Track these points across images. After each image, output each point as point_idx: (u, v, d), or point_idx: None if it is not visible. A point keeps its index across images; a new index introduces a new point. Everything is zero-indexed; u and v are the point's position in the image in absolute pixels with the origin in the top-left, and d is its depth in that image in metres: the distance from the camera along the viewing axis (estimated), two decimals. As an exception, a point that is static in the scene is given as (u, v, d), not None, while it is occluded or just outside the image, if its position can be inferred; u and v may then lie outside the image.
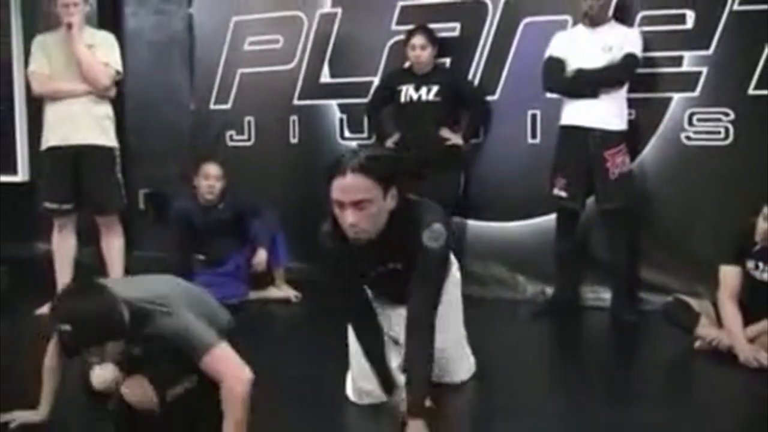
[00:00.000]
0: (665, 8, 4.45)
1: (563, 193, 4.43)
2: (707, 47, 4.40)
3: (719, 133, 4.40)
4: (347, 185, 2.39)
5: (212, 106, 5.63)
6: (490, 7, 4.86)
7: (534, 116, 4.80)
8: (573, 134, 4.37)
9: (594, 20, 4.35)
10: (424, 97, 4.72)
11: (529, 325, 4.48)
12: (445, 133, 4.71)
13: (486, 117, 4.84)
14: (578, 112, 4.36)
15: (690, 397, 3.38)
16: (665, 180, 4.51)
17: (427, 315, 2.60)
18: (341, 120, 5.30)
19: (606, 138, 4.32)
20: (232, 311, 2.91)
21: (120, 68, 4.54)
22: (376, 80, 5.13)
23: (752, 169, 4.25)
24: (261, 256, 4.79)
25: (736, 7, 4.33)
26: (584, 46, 4.34)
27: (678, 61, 4.46)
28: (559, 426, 2.97)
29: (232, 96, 5.56)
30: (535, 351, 4.13)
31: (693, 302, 3.86)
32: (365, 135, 5.21)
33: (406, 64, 4.87)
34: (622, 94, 4.35)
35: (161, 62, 5.82)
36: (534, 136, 4.80)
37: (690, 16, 4.42)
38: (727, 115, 4.38)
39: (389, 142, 4.79)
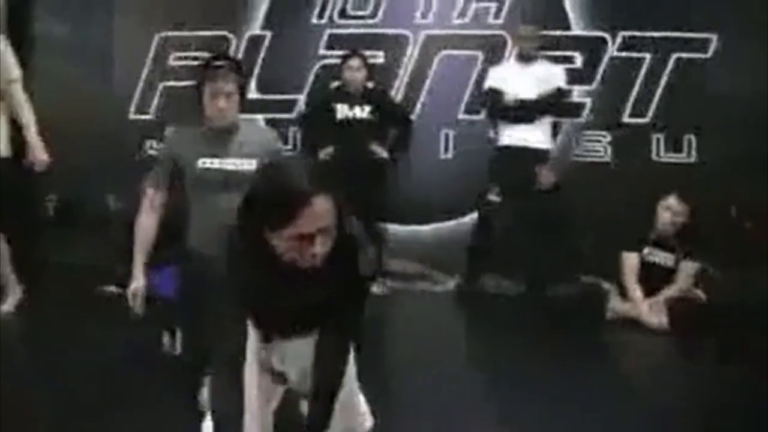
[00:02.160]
0: (558, 50, 5.48)
1: (497, 198, 5.21)
2: (591, 82, 5.50)
3: (600, 151, 5.49)
4: (317, 212, 1.85)
5: (132, 116, 5.85)
6: (411, 39, 5.65)
7: (447, 135, 5.61)
8: (511, 152, 5.13)
9: (525, 57, 5.17)
10: (358, 115, 5.27)
11: (448, 312, 5.14)
12: (374, 147, 5.28)
13: (410, 134, 5.48)
14: (516, 135, 5.14)
15: (605, 359, 4.15)
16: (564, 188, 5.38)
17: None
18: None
19: (539, 156, 5.14)
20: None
21: (10, 75, 4.29)
22: (301, 98, 5.68)
23: (625, 179, 5.36)
24: None
25: (614, 53, 5.48)
26: (518, 80, 5.13)
27: (569, 93, 5.49)
28: (484, 390, 3.45)
29: (152, 107, 5.83)
30: (457, 332, 4.73)
31: (603, 283, 4.80)
32: (290, 147, 5.71)
33: (335, 84, 5.42)
34: (549, 119, 5.22)
35: (77, 70, 5.91)
36: (446, 151, 5.62)
37: (578, 57, 5.50)
38: (605, 137, 5.49)
39: (322, 155, 5.25)
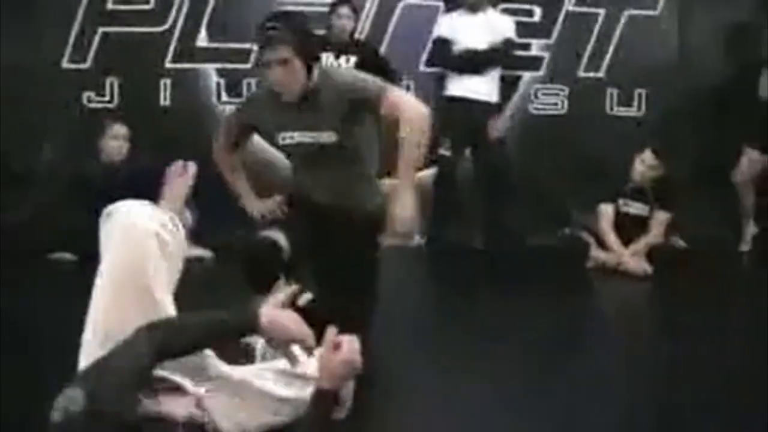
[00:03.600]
0: (518, 3, 5.53)
1: (448, 153, 5.22)
2: (549, 37, 5.61)
3: (557, 104, 5.64)
4: None
5: (65, 65, 5.29)
6: (371, -12, 5.49)
7: (408, 86, 5.48)
8: (459, 104, 5.17)
9: (474, 7, 5.18)
10: (343, 65, 5.07)
11: (418, 268, 5.15)
12: None
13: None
14: (464, 86, 5.16)
15: (591, 306, 4.36)
16: (519, 141, 5.54)
17: None
18: (218, 84, 5.44)
19: (488, 109, 5.21)
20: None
21: None
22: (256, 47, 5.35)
23: (581, 131, 5.57)
24: (186, 215, 4.75)
25: (571, 7, 5.60)
26: (468, 29, 5.15)
27: (527, 46, 5.57)
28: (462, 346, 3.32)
29: (90, 55, 5.30)
30: (430, 288, 4.71)
31: (583, 234, 4.99)
32: (244, 99, 5.39)
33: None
34: (498, 71, 5.28)
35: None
36: (409, 103, 5.51)
37: (537, 11, 5.57)
38: (563, 90, 5.64)
39: None
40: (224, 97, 5.43)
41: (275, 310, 1.92)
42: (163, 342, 1.73)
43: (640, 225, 4.95)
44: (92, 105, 5.33)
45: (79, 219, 4.67)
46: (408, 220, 2.80)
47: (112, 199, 4.84)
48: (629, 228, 4.92)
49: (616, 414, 2.60)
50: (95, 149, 4.88)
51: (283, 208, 3.10)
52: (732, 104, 5.47)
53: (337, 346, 1.79)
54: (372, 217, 3.01)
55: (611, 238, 4.89)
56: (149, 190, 4.69)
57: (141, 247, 1.92)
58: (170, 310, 1.96)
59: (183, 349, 1.81)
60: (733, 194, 5.35)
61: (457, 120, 5.17)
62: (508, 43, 5.19)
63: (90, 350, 1.86)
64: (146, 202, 2.04)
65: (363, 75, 2.94)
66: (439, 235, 5.36)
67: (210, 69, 5.41)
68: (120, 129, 4.76)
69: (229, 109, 5.34)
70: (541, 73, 5.63)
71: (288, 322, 1.86)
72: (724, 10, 5.62)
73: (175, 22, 5.35)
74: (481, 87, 5.17)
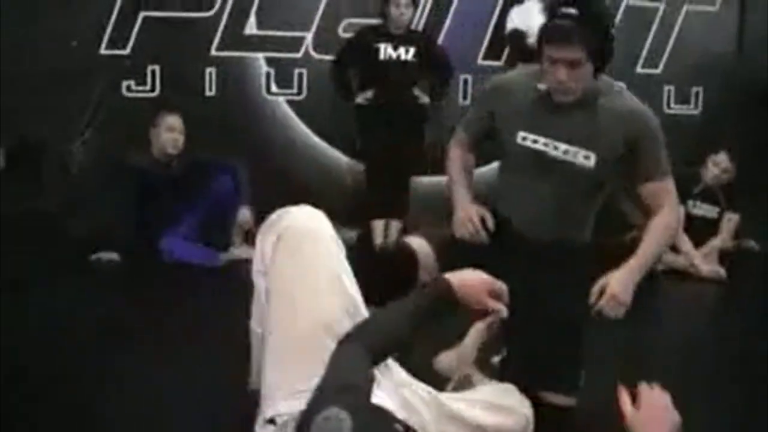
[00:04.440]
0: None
1: None
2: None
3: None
4: None
5: (103, 51, 4.93)
6: (431, -23, 5.24)
7: (466, 81, 5.31)
8: None
9: (549, -2, 5.02)
10: (402, 57, 4.85)
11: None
12: (417, 92, 4.89)
13: (449, 81, 5.10)
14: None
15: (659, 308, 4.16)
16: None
17: None
18: (268, 74, 5.14)
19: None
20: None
21: None
22: (308, 36, 5.11)
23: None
24: (245, 213, 4.50)
25: (631, 1, 5.41)
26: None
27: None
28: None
29: (131, 42, 4.96)
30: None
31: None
32: (295, 90, 5.15)
33: (376, 22, 4.90)
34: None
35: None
36: (465, 98, 5.32)
37: (597, 4, 5.38)
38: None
39: (360, 99, 4.84)
40: (274, 88, 5.14)
41: (460, 273, 1.86)
42: (371, 346, 1.69)
43: (710, 227, 4.85)
44: (131, 94, 5.01)
45: (124, 215, 4.47)
46: (620, 304, 2.33)
47: (168, 195, 4.62)
48: (698, 230, 4.80)
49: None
50: (141, 141, 4.58)
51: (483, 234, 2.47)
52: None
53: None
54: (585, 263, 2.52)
55: (683, 240, 4.76)
56: (204, 184, 4.51)
57: (329, 248, 1.89)
58: (363, 308, 1.91)
59: (390, 345, 1.78)
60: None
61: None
62: None
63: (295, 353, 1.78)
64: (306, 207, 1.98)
65: (660, 137, 2.40)
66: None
67: (259, 58, 5.11)
68: (176, 121, 4.44)
69: (276, 101, 5.16)
70: (599, 69, 5.44)
71: (477, 283, 1.84)
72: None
73: (222, 7, 5.02)
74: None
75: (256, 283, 1.96)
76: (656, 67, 5.52)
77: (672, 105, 5.57)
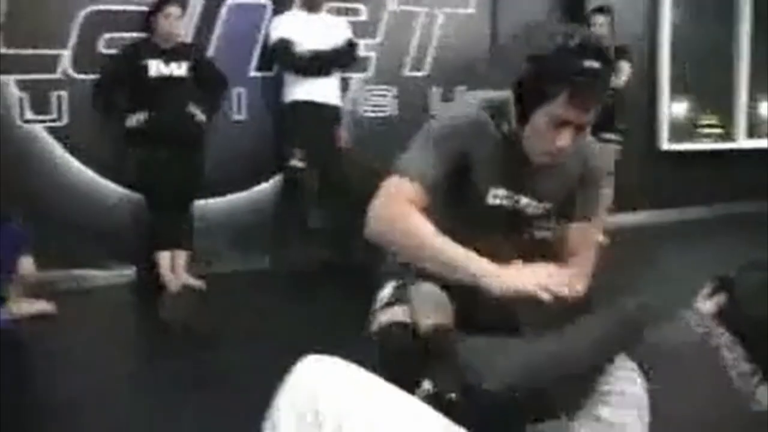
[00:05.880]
0: (342, 1, 5.32)
1: (300, 164, 4.91)
2: (375, 36, 5.47)
3: (386, 105, 5.54)
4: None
5: None
6: (195, -12, 4.94)
7: (239, 94, 5.09)
8: (308, 109, 4.89)
9: (312, 7, 4.94)
10: (175, 72, 4.55)
11: (275, 291, 4.75)
12: (193, 110, 4.61)
13: (223, 95, 4.89)
14: (311, 90, 4.90)
15: None
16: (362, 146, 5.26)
17: None
18: (21, 99, 4.56)
19: (336, 113, 5.03)
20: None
21: None
22: (66, 53, 4.61)
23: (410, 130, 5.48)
24: (29, 262, 4.00)
25: (394, 6, 5.51)
26: (309, 30, 4.89)
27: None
28: None
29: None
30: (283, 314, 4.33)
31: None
32: (54, 116, 4.63)
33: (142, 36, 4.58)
34: (339, 74, 5.07)
35: None
36: (239, 112, 5.11)
37: (363, 10, 5.40)
38: (390, 91, 5.55)
39: (133, 121, 4.46)
40: (29, 115, 4.57)
41: None
42: None
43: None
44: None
45: None
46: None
47: None
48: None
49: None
50: None
51: None
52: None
53: None
54: None
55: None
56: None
57: None
58: None
59: None
60: None
61: (307, 127, 4.90)
62: (351, 44, 5.03)
63: None
64: None
65: (605, 179, 2.11)
66: (287, 254, 5.04)
67: (9, 81, 4.53)
68: None
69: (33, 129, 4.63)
70: (369, 74, 5.49)
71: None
72: (534, 4, 5.93)
73: (-42, 25, 4.41)
74: (328, 90, 4.96)
75: None
76: (422, 69, 5.69)
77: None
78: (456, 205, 1.95)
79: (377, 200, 1.87)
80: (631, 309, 1.50)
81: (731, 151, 7.27)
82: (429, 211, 1.84)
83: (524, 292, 1.67)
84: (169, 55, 4.57)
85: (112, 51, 4.66)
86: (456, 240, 1.80)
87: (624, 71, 5.53)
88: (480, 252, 1.79)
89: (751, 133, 7.48)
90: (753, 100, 7.49)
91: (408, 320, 1.95)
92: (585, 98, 1.77)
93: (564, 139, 1.82)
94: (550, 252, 1.97)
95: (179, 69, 4.60)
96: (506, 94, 1.89)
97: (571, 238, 2.04)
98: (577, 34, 1.77)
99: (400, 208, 1.83)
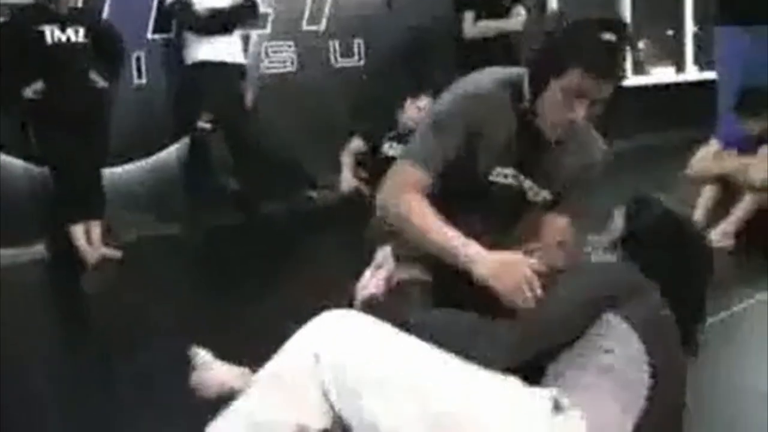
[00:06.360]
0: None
1: (208, 126, 4.85)
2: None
3: (287, 61, 5.51)
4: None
5: None
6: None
7: (138, 58, 4.94)
8: (212, 70, 4.82)
9: (204, -36, 4.83)
10: (73, 39, 4.34)
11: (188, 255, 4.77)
12: (93, 76, 4.41)
13: (124, 59, 4.71)
14: (214, 49, 4.83)
15: None
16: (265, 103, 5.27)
17: None
18: None
19: (242, 71, 4.99)
20: None
21: None
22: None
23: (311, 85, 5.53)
24: None
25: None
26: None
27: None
28: None
29: None
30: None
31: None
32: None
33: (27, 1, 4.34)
34: (240, 31, 5.00)
35: None
36: (140, 77, 4.97)
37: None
38: (290, 46, 5.51)
39: (29, 92, 4.23)
40: None
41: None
42: None
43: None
44: None
45: None
46: None
47: None
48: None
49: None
50: None
51: None
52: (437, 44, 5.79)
53: None
54: None
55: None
56: None
57: None
58: None
59: None
60: None
61: (213, 87, 4.83)
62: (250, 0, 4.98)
63: None
64: None
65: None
66: (198, 221, 4.99)
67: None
68: None
69: None
70: (267, 30, 5.43)
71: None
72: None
73: None
74: (232, 48, 4.91)
75: None
76: (319, 23, 5.67)
77: (338, 59, 5.79)
78: (459, 180, 1.96)
79: (383, 185, 1.98)
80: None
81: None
82: (432, 193, 1.93)
83: (505, 296, 1.74)
84: (65, 20, 4.36)
85: (2, 18, 4.41)
86: (454, 219, 1.90)
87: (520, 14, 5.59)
88: (476, 230, 1.90)
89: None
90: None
91: None
92: (601, 71, 1.81)
93: (577, 111, 1.85)
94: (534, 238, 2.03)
95: (76, 35, 4.40)
96: (522, 69, 1.95)
97: (548, 228, 2.08)
98: (596, 10, 1.86)
99: (400, 193, 1.91)
